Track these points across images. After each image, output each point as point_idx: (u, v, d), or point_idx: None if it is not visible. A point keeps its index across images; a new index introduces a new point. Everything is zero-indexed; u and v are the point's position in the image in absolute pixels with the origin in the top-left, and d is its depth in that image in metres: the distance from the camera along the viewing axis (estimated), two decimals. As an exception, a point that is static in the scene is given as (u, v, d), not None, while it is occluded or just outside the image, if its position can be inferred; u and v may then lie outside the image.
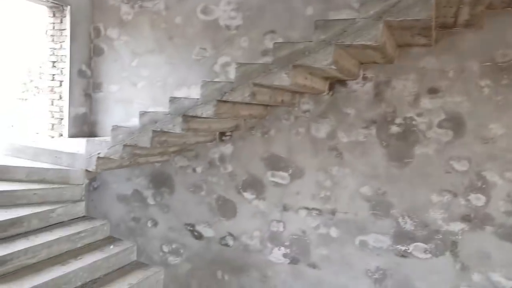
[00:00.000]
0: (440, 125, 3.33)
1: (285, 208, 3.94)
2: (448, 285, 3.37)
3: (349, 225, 3.68)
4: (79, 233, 3.43)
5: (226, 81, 2.96)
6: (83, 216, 3.68)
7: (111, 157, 3.39)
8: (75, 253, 3.33)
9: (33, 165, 3.51)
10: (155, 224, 4.58)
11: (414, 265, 3.46)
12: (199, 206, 4.33)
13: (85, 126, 4.77)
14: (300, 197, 3.87)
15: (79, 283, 3.16)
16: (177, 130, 3.10)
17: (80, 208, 3.54)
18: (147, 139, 3.21)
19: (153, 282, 3.41)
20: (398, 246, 3.51)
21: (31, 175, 3.46)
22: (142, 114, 3.21)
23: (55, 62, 4.55)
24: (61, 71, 4.52)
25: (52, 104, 4.62)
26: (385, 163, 3.52)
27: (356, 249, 3.66)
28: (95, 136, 4.81)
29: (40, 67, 5.06)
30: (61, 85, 4.55)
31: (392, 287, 3.56)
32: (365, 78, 3.52)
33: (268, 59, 3.79)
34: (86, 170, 3.51)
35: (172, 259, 4.51)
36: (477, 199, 3.26)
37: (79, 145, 4.00)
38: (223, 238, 4.25)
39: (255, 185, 4.06)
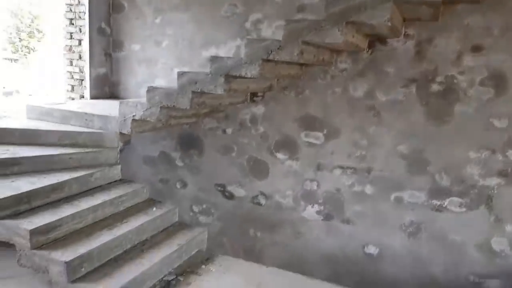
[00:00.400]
0: (482, 83, 3.35)
1: (319, 168, 3.99)
2: (481, 236, 3.53)
3: (385, 182, 3.77)
4: (120, 196, 3.42)
5: (273, 39, 2.87)
6: (120, 180, 3.66)
7: (147, 119, 3.32)
8: (120, 217, 3.33)
9: (64, 128, 3.43)
10: (184, 185, 4.60)
11: (448, 218, 3.60)
12: (229, 167, 4.35)
13: (106, 88, 4.64)
14: (335, 156, 3.91)
15: (129, 246, 3.19)
16: (219, 91, 3.04)
17: (116, 172, 3.51)
18: (187, 100, 3.15)
19: (199, 242, 3.48)
20: (433, 201, 3.63)
21: (63, 139, 3.37)
22: (181, 74, 3.12)
23: (72, 19, 4.32)
24: (80, 28, 4.31)
25: (71, 64, 4.45)
26: (424, 122, 3.55)
27: (391, 205, 3.78)
28: (117, 97, 4.68)
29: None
30: (80, 44, 4.36)
31: (426, 239, 3.71)
32: (407, 36, 3.47)
33: (303, 15, 3.69)
34: (120, 133, 3.45)
35: (203, 219, 4.58)
36: (515, 155, 3.34)
37: (106, 107, 3.91)
38: (255, 197, 4.31)
39: (288, 146, 4.07)
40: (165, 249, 3.15)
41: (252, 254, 4.32)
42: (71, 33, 4.39)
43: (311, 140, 3.97)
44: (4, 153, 2.97)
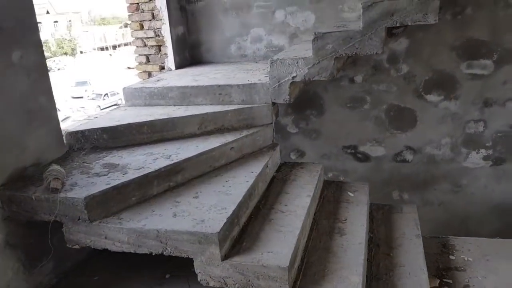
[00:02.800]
0: None
1: (486, 104, 3.23)
2: None
3: None
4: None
5: None
6: (284, 163, 2.72)
7: (314, 78, 2.44)
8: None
9: (198, 111, 2.51)
10: (301, 154, 3.79)
11: None
12: (361, 123, 3.54)
13: (186, 52, 3.63)
14: (509, 86, 3.14)
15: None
16: (431, 19, 2.17)
17: (278, 154, 2.60)
18: (378, 42, 2.28)
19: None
20: None
21: (205, 124, 2.47)
22: (369, 6, 2.21)
23: (133, -33, 3.23)
24: (145, -22, 3.23)
25: (141, 28, 3.41)
26: None
27: None
28: (200, 63, 3.70)
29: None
30: (150, -1, 3.29)
31: None
32: None
33: None
34: (273, 104, 2.56)
35: (331, 190, 3.83)
36: None
37: (221, 75, 2.97)
38: (398, 154, 3.56)
39: (443, 84, 3.27)
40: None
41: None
42: (131, -15, 3.31)
43: (476, 71, 3.17)
44: (155, 159, 2.07)
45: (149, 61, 3.51)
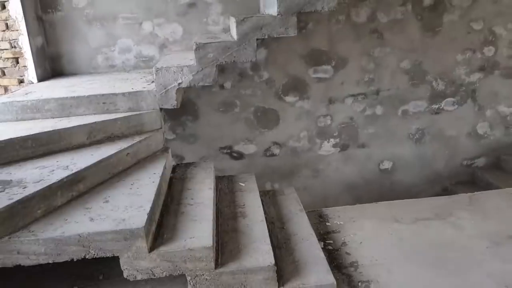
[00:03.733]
0: (462, -8, 3.77)
1: (330, 101, 3.97)
2: (470, 125, 4.20)
3: (392, 100, 4.02)
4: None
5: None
6: (177, 165, 2.89)
7: (199, 84, 2.68)
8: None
9: (84, 121, 2.45)
10: (181, 159, 3.96)
11: (445, 117, 4.14)
12: (234, 125, 3.92)
13: (46, 64, 3.42)
14: (345, 86, 3.93)
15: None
16: (291, 33, 2.65)
17: (171, 157, 2.73)
18: (251, 51, 2.65)
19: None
20: (432, 106, 4.09)
21: (94, 134, 2.42)
22: (241, 20, 2.57)
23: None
24: (-4, -14, 2.97)
25: (-7, 39, 3.10)
26: (420, 35, 3.85)
27: (399, 119, 4.09)
28: (62, 75, 3.53)
29: None
30: (4, 7, 3.02)
31: (429, 142, 4.20)
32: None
33: None
34: (160, 109, 2.69)
35: (212, 190, 4.09)
36: (489, 51, 3.99)
37: (100, 85, 2.96)
38: (267, 149, 4.05)
39: (296, 87, 3.88)
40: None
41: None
42: (-21, -9, 2.98)
43: (320, 75, 3.87)
44: (52, 171, 1.98)
45: (4, 75, 3.20)
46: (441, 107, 4.10)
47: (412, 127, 4.14)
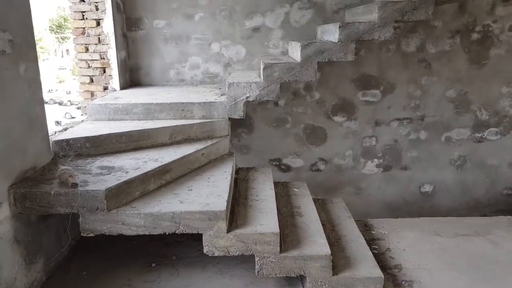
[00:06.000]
0: (510, 29, 3.99)
1: (377, 124, 4.24)
2: (511, 156, 4.33)
3: (436, 126, 4.24)
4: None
5: (407, 0, 2.91)
6: (239, 168, 3.29)
7: (264, 99, 3.05)
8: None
9: (166, 124, 2.87)
10: (234, 168, 4.31)
11: (487, 146, 4.30)
12: (284, 139, 4.26)
13: (127, 75, 3.92)
14: (391, 110, 4.20)
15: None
16: (349, 58, 2.98)
17: (235, 160, 3.10)
18: (312, 72, 3.00)
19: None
20: (475, 134, 4.26)
21: (175, 135, 2.83)
22: (306, 45, 2.93)
23: (83, -5, 3.48)
24: (96, 6, 3.50)
25: (87, 51, 3.61)
26: (467, 67, 4.08)
27: (442, 144, 4.29)
28: (139, 85, 4.01)
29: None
30: (98, 24, 3.55)
31: (470, 169, 4.36)
32: (453, -9, 3.86)
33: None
34: (228, 118, 3.07)
35: (260, 198, 4.40)
36: (535, 85, 4.15)
37: (175, 95, 3.39)
38: (313, 164, 4.35)
39: (345, 108, 4.18)
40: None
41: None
42: (82, 12, 3.52)
43: (368, 98, 4.16)
44: (145, 162, 2.38)
45: (92, 82, 3.71)
46: (484, 136, 4.28)
47: (455, 153, 4.32)
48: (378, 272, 2.12)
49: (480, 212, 4.43)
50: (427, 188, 4.42)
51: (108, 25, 3.56)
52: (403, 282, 2.25)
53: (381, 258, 2.50)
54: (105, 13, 3.52)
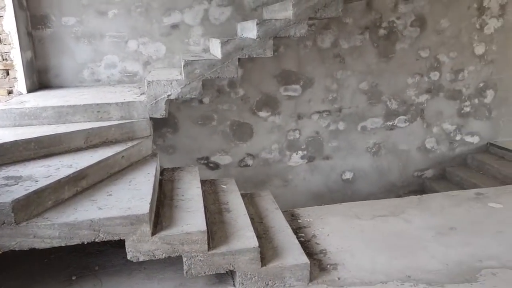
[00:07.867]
0: (411, 25, 4.37)
1: (299, 117, 4.39)
2: (419, 140, 4.75)
3: (352, 117, 4.51)
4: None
5: (319, -3, 3.02)
6: (164, 169, 3.18)
7: (186, 96, 3.01)
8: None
9: (80, 127, 2.69)
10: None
11: (398, 133, 4.67)
12: (211, 137, 4.24)
13: (34, 77, 3.63)
14: (312, 103, 4.38)
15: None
16: (268, 54, 3.05)
17: (159, 161, 3.00)
18: (234, 69, 3.02)
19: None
20: (387, 123, 4.61)
21: (90, 139, 2.65)
22: (225, 42, 2.94)
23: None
24: (-8, 2, 3.19)
25: (-14, 52, 3.28)
26: (376, 60, 4.39)
27: (358, 133, 4.58)
28: (48, 87, 3.73)
29: None
30: (-2, 22, 3.23)
31: (385, 155, 4.71)
32: (360, -10, 4.12)
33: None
34: (150, 119, 2.98)
35: (189, 198, 4.34)
36: (434, 75, 4.59)
37: (90, 96, 3.21)
38: (242, 160, 4.39)
39: (269, 103, 4.28)
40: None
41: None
42: (-25, 7, 3.18)
43: (290, 93, 4.30)
44: (58, 169, 2.21)
45: (-5, 85, 3.38)
46: (394, 124, 4.63)
47: (370, 141, 4.63)
48: (304, 259, 2.21)
49: (396, 193, 4.80)
50: (348, 175, 4.68)
51: (9, 23, 3.26)
52: (328, 266, 2.36)
53: (307, 245, 2.60)
54: (4, 9, 3.22)
